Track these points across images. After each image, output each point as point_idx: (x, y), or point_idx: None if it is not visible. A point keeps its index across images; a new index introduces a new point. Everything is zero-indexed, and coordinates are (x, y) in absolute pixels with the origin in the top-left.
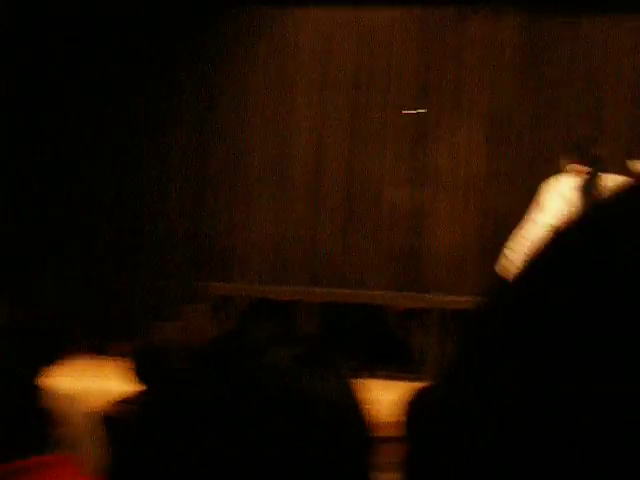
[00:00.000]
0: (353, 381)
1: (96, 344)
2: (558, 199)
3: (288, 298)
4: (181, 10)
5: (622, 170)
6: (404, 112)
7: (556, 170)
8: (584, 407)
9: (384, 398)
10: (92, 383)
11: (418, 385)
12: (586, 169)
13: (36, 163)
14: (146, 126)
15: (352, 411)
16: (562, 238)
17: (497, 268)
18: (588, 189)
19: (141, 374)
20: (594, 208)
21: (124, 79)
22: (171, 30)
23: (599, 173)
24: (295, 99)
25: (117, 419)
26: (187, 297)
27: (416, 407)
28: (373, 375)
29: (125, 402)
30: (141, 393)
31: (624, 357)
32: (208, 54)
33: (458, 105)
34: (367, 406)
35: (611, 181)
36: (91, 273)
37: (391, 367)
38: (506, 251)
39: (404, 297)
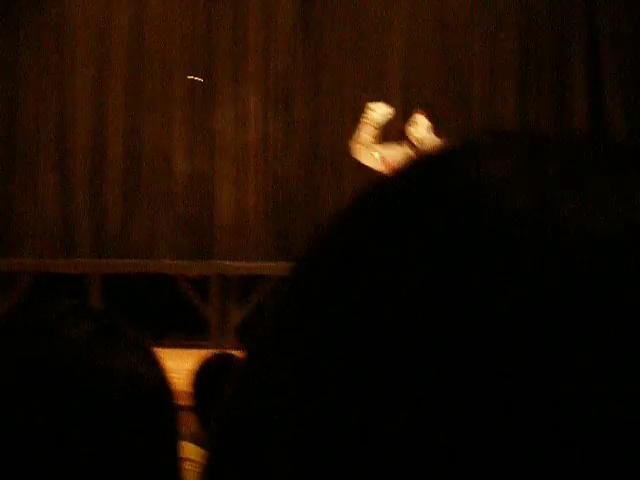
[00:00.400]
0: (151, 352)
1: None
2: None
3: (76, 271)
4: None
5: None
6: (189, 77)
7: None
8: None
9: (177, 367)
10: None
11: (206, 354)
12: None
13: None
14: None
15: (156, 383)
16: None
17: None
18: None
19: None
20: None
21: None
22: None
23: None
24: (74, 66)
25: None
26: None
27: (203, 377)
28: (165, 344)
29: None
30: None
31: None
32: None
33: (240, 71)
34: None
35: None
36: None
37: (184, 336)
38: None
39: (195, 265)
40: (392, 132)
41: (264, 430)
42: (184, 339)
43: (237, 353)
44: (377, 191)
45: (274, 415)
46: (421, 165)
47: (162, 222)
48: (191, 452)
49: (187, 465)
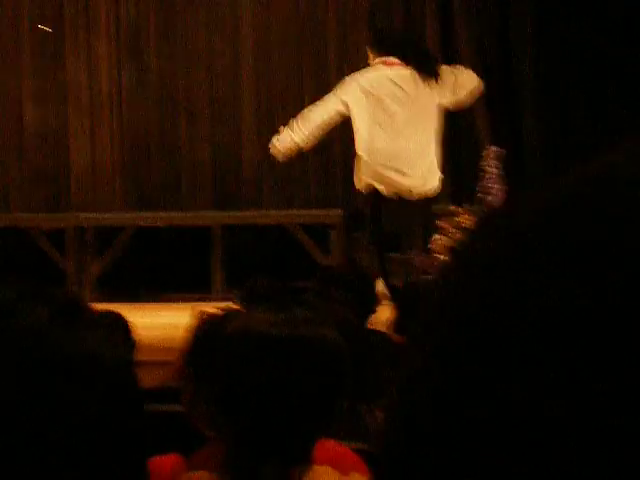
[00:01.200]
0: (112, 332)
1: None
2: (357, 88)
3: None
4: None
5: None
6: (39, 27)
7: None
8: None
9: None
10: None
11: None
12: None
13: None
14: None
15: (118, 364)
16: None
17: (270, 146)
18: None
19: None
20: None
21: None
22: None
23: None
24: None
25: None
26: None
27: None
28: None
29: None
30: None
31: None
32: None
33: (90, 19)
34: None
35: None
36: None
37: None
38: (281, 129)
39: (50, 218)
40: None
41: None
42: None
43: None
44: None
45: None
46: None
47: (15, 175)
48: None
49: None
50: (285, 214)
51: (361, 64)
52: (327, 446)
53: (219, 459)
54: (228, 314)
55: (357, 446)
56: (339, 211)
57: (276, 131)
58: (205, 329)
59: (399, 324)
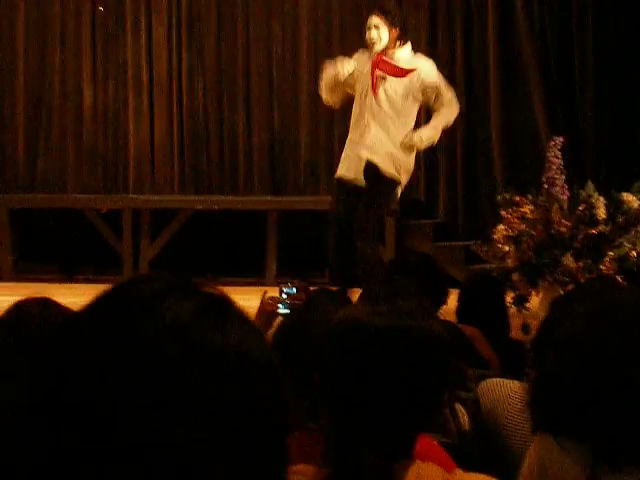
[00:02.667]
0: (255, 326)
1: None
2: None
3: None
4: None
5: None
6: (99, 8)
7: None
8: None
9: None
10: None
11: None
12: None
13: None
14: None
15: (264, 358)
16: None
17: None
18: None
19: None
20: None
21: None
22: None
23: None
24: None
25: None
26: None
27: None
28: (78, 280)
29: None
30: None
31: None
32: None
33: (152, 2)
34: None
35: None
36: None
37: (96, 271)
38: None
39: (106, 199)
40: None
41: None
42: (97, 274)
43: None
44: None
45: None
46: None
47: (73, 156)
48: None
49: None
50: None
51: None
52: (421, 441)
53: (317, 451)
54: (314, 302)
55: (439, 439)
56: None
57: (332, 117)
58: (294, 319)
59: (463, 313)
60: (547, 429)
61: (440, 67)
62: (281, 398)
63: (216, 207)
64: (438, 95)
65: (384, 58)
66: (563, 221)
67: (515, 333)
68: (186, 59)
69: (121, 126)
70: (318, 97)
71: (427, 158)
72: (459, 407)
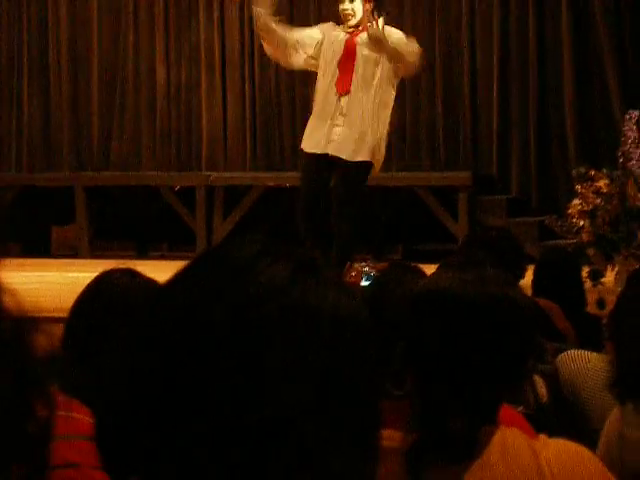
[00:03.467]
0: (349, 287)
1: None
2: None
3: (58, 184)
4: None
5: None
6: None
7: None
8: None
9: (163, 279)
10: None
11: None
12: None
13: None
14: None
15: (360, 318)
16: None
17: None
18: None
19: None
20: None
21: None
22: None
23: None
24: None
25: None
26: None
27: None
28: (152, 256)
29: None
30: None
31: None
32: None
33: None
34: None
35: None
36: None
37: (171, 247)
38: None
39: (180, 177)
40: None
41: None
42: (171, 251)
43: None
44: None
45: None
46: None
47: (146, 134)
48: None
49: None
50: (413, 177)
51: (489, 26)
52: (504, 410)
53: (403, 416)
54: (392, 273)
55: (519, 409)
56: (467, 174)
57: (404, 96)
58: (373, 289)
59: (539, 287)
60: (630, 398)
61: (514, 44)
62: (376, 361)
63: (287, 184)
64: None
65: (356, 40)
66: (639, 195)
67: (590, 308)
68: (258, 38)
69: (194, 105)
70: None
71: (500, 132)
72: (537, 378)
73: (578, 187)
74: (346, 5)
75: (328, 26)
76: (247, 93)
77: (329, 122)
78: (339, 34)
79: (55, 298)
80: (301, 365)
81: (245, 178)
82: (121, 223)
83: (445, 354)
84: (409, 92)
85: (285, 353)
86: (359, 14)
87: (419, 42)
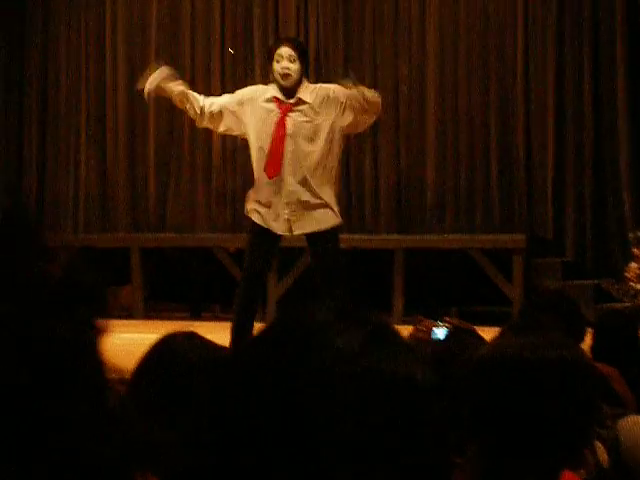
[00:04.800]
0: (420, 354)
1: None
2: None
3: (115, 245)
4: None
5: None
6: (230, 50)
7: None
8: None
9: (217, 340)
10: None
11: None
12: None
13: None
14: None
15: (429, 385)
16: None
17: None
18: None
19: None
20: None
21: None
22: None
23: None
24: (115, 43)
25: None
26: None
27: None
28: (205, 317)
29: None
30: None
31: None
32: None
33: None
34: None
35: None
36: None
37: (224, 309)
38: None
39: (234, 238)
40: None
41: None
42: (224, 312)
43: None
44: None
45: None
46: None
47: (201, 195)
48: None
49: None
50: (467, 239)
51: (543, 65)
52: (565, 476)
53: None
54: (454, 339)
55: (580, 475)
56: (522, 236)
57: (459, 156)
58: (438, 353)
59: (598, 351)
60: None
61: (569, 103)
62: (445, 427)
63: (343, 246)
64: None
65: (291, 105)
66: None
67: None
68: None
69: (249, 166)
70: (445, 136)
71: (555, 194)
72: (598, 444)
73: (635, 250)
74: (285, 64)
75: (252, 92)
76: None
77: (274, 201)
78: (270, 108)
79: (110, 359)
80: (370, 429)
81: (298, 240)
82: (175, 284)
83: (509, 419)
84: (464, 153)
85: (356, 416)
86: (295, 76)
87: (475, 103)
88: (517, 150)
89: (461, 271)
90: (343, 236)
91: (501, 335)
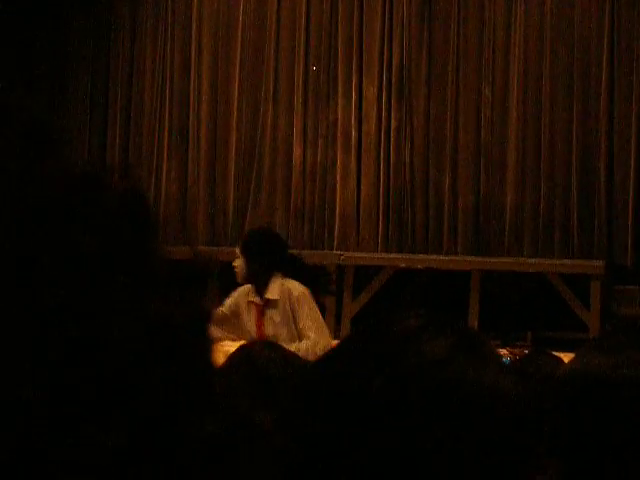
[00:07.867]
0: (507, 366)
1: None
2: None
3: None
4: None
5: None
6: (314, 68)
7: None
8: None
9: None
10: None
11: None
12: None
13: None
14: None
15: (516, 397)
16: None
17: None
18: None
19: None
20: None
21: None
22: None
23: None
24: (195, 58)
25: None
26: None
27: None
28: None
29: None
30: None
31: None
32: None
33: (364, 63)
34: None
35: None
36: None
37: None
38: None
39: (312, 255)
40: None
41: None
42: None
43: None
44: None
45: None
46: None
47: (280, 211)
48: None
49: None
50: (545, 263)
51: (626, 134)
52: None
53: None
54: (531, 358)
55: None
56: (601, 262)
57: (539, 180)
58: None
59: None
60: None
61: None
62: (531, 442)
63: (419, 266)
64: (300, 318)
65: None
66: None
67: None
68: (395, 119)
69: (328, 183)
70: (525, 160)
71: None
72: None
73: None
74: (235, 262)
75: (241, 294)
76: (381, 174)
77: None
78: (249, 311)
79: None
80: (456, 436)
81: (376, 259)
82: None
83: (594, 439)
84: (544, 177)
85: (440, 424)
86: (241, 272)
87: (558, 126)
88: (598, 175)
89: (538, 295)
90: (420, 256)
91: (583, 354)
